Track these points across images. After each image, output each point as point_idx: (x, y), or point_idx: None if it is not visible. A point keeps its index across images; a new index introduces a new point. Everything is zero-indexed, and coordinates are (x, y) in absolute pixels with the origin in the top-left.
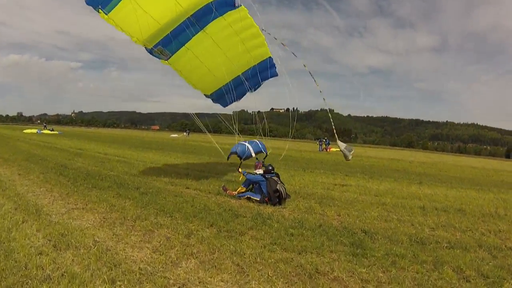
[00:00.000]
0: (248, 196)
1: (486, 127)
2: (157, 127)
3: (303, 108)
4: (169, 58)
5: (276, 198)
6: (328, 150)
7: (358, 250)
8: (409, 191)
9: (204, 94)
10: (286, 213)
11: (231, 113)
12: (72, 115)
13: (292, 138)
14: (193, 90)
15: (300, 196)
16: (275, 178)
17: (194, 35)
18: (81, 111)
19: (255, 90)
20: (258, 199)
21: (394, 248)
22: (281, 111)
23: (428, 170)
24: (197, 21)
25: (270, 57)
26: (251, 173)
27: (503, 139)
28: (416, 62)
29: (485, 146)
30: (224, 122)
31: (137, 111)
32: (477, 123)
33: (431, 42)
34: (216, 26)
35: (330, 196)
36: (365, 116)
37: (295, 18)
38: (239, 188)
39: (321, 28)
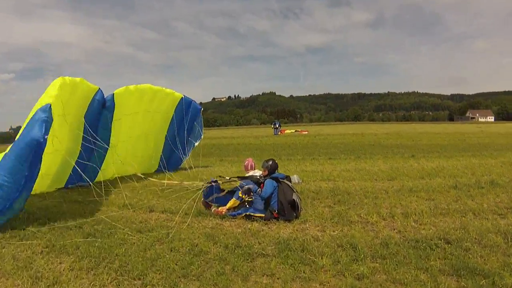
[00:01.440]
0: (248, 213)
1: (426, 94)
2: None
3: (245, 94)
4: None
5: (293, 212)
6: (282, 133)
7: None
8: (420, 167)
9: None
10: (313, 230)
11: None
12: (10, 131)
13: (238, 125)
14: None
15: (306, 196)
16: (288, 183)
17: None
18: (19, 126)
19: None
20: (263, 215)
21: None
22: (222, 99)
23: (403, 142)
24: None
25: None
26: (243, 178)
27: (443, 104)
28: (354, 38)
29: (427, 112)
30: None
31: None
32: (417, 91)
33: (367, 18)
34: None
35: (342, 190)
36: (307, 95)
37: (230, 4)
38: (231, 202)
39: (257, 13)
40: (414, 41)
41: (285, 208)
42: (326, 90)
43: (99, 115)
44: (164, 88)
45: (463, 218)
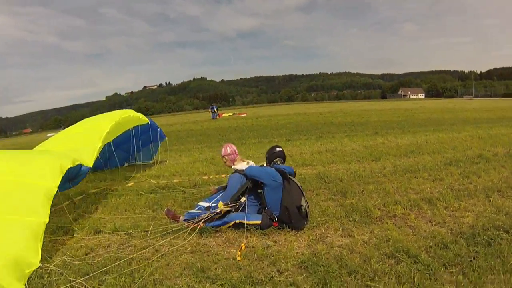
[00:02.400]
0: (238, 221)
1: (358, 74)
2: (29, 130)
3: (176, 80)
4: None
5: (303, 219)
6: (220, 116)
7: None
8: (394, 145)
9: None
10: (337, 237)
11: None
12: None
13: (170, 112)
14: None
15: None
16: (297, 182)
17: None
18: None
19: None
20: (259, 222)
21: None
22: (154, 87)
23: (354, 119)
24: None
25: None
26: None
27: (375, 83)
28: (286, 22)
29: (359, 91)
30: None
31: (3, 116)
32: (349, 71)
33: (299, 2)
34: None
35: (331, 177)
36: (239, 78)
37: None
38: (214, 212)
39: None
40: (345, 24)
41: (291, 215)
42: (257, 73)
43: None
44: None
45: (490, 198)
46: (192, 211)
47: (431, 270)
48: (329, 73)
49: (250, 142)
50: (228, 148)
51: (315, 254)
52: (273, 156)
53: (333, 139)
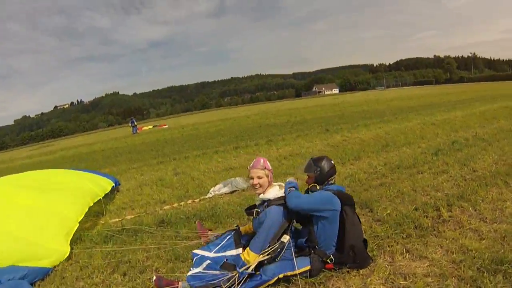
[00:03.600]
0: (280, 276)
1: (269, 75)
2: None
3: (88, 97)
4: None
5: (368, 256)
6: (140, 130)
7: None
8: (359, 140)
9: None
10: (411, 264)
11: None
12: None
13: (85, 131)
14: None
15: None
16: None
17: None
18: None
19: None
20: (308, 267)
21: None
22: (65, 106)
23: (291, 119)
24: None
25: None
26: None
27: (287, 83)
28: (196, 28)
29: (272, 92)
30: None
31: None
32: (261, 73)
33: (209, 7)
34: None
35: (352, 183)
36: (151, 90)
37: (67, 1)
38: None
39: (96, 9)
40: (256, 26)
41: (358, 253)
42: (169, 83)
43: None
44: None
45: (510, 188)
46: (195, 271)
47: None
48: (241, 76)
49: (192, 155)
50: (266, 161)
51: None
52: (330, 173)
53: (286, 141)
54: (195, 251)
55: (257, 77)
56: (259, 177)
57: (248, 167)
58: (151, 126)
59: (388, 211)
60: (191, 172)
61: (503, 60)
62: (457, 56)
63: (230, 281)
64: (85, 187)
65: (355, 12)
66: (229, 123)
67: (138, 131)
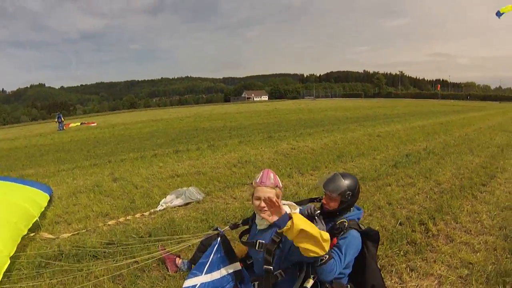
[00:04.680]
0: None
1: (200, 78)
2: None
3: (11, 87)
4: None
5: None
6: (67, 127)
7: None
8: (310, 149)
9: None
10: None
11: None
12: None
13: (6, 124)
14: None
15: None
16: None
17: None
18: None
19: None
20: None
21: None
22: None
23: (228, 124)
24: None
25: None
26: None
27: (217, 87)
28: (132, 23)
29: (201, 95)
30: None
31: None
32: (191, 76)
33: (146, 3)
34: None
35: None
36: (79, 85)
37: None
38: None
39: None
40: (190, 27)
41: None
42: (99, 79)
43: None
44: None
45: (478, 200)
46: None
47: None
48: (171, 78)
49: (129, 157)
50: (277, 176)
51: None
52: (356, 198)
53: (229, 147)
54: (186, 284)
55: (187, 79)
56: (269, 198)
57: (253, 183)
58: (78, 123)
59: (377, 228)
60: (131, 178)
61: (427, 80)
62: (385, 72)
63: None
64: (17, 208)
65: (289, 21)
66: (162, 125)
67: (65, 127)
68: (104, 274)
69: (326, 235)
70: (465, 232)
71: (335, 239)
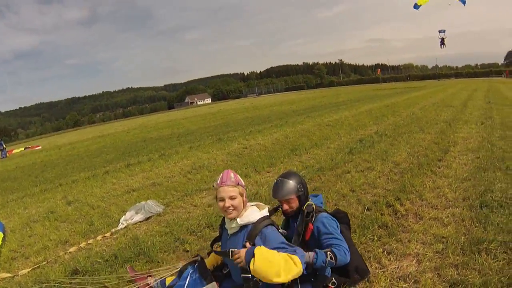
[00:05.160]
0: None
1: (141, 88)
2: None
3: None
4: None
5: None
6: (10, 153)
7: None
8: (262, 146)
9: None
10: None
11: None
12: None
13: None
14: None
15: None
16: None
17: None
18: None
19: None
20: None
21: None
22: None
23: (176, 131)
24: None
25: None
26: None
27: (159, 95)
28: (66, 37)
29: (145, 105)
30: None
31: None
32: (132, 87)
33: (80, 15)
34: None
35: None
36: (18, 108)
37: None
38: None
39: None
40: (127, 36)
41: (362, 272)
42: (38, 99)
43: None
44: None
45: (438, 175)
46: None
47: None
48: (112, 91)
49: (80, 178)
50: (237, 175)
51: None
52: (305, 185)
53: (181, 154)
54: None
55: (128, 90)
56: (231, 198)
57: (215, 185)
58: (22, 148)
59: (366, 213)
60: (86, 198)
61: (367, 65)
62: (325, 62)
63: None
64: None
65: (226, 22)
66: (110, 140)
67: (8, 154)
68: None
69: (293, 260)
70: (432, 208)
71: (310, 225)
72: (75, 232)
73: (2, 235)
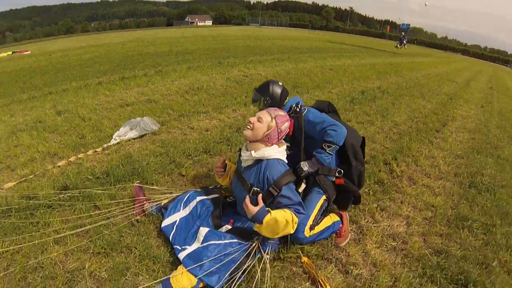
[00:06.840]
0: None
1: (141, 1)
2: None
3: None
4: None
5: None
6: None
7: None
8: (262, 77)
9: None
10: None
11: None
12: None
13: None
14: None
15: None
16: None
17: None
18: None
19: None
20: (324, 197)
21: None
22: None
23: (174, 49)
24: None
25: None
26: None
27: (159, 10)
28: None
29: (143, 19)
30: None
31: None
32: None
33: None
34: None
35: None
36: (9, 10)
37: None
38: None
39: None
40: None
41: (358, 156)
42: (30, 2)
43: None
44: None
45: (434, 145)
46: (191, 249)
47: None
48: (111, 0)
49: (71, 87)
50: (282, 116)
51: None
52: (284, 95)
53: (179, 73)
54: (165, 224)
55: (128, 2)
56: (259, 119)
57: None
58: (10, 52)
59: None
60: (77, 109)
61: (376, 19)
62: (335, 6)
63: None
64: None
65: None
66: (104, 50)
67: None
68: (66, 228)
69: (293, 222)
70: (425, 175)
71: (291, 120)
72: (64, 144)
73: None
